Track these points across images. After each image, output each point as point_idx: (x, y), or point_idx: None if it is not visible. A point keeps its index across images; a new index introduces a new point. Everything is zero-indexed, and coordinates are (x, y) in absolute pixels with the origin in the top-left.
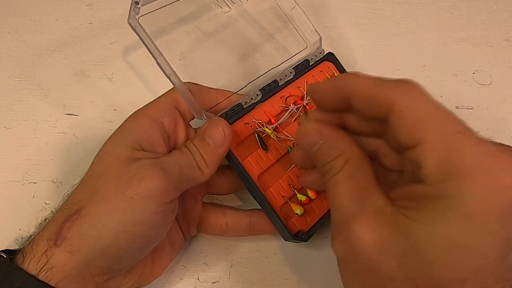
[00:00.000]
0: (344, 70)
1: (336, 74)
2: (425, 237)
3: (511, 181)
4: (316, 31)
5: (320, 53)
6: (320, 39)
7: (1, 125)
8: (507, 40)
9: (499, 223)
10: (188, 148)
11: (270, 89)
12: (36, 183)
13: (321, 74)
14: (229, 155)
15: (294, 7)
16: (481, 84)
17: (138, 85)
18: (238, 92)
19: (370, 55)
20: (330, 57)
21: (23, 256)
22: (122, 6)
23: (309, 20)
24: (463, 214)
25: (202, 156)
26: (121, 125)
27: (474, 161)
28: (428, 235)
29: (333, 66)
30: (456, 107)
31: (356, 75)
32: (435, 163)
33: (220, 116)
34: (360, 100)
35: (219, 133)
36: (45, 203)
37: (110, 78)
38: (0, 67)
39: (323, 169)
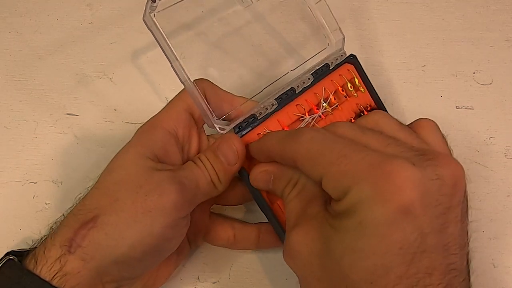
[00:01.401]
0: (365, 74)
1: (356, 78)
2: (335, 240)
3: (394, 187)
4: (340, 29)
5: (342, 55)
6: (343, 39)
7: (1, 125)
8: (507, 40)
9: (391, 227)
10: (203, 163)
11: (287, 98)
12: (36, 183)
13: (340, 79)
14: None
15: (319, 0)
16: (481, 84)
17: (139, 85)
18: (253, 99)
19: (370, 56)
20: (351, 60)
21: (35, 261)
22: (122, 6)
23: (333, 17)
24: (357, 221)
25: (216, 172)
26: (136, 135)
27: (360, 175)
28: (337, 238)
29: (353, 69)
30: (456, 107)
31: (270, 135)
32: (333, 188)
33: (234, 127)
34: (276, 158)
35: (232, 152)
36: (45, 203)
37: (111, 78)
38: (0, 67)
39: (281, 197)
